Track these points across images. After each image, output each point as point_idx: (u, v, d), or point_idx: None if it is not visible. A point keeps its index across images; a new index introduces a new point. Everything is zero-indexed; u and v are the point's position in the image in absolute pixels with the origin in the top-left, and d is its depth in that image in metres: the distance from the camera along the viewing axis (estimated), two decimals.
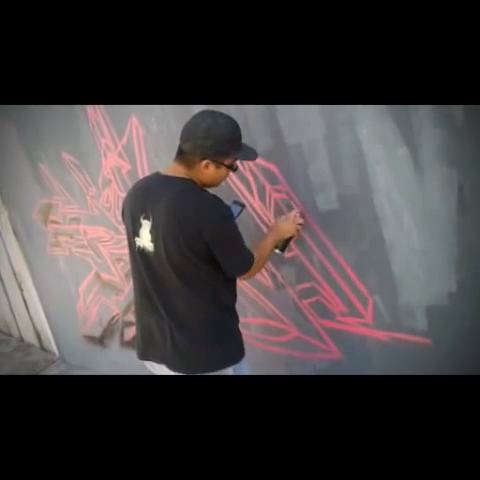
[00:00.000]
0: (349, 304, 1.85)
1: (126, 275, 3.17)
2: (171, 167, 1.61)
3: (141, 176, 2.62)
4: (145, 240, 1.59)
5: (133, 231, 1.63)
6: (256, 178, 1.99)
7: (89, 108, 2.75)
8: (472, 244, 1.42)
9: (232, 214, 1.68)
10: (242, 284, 2.25)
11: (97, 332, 3.73)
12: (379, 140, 1.53)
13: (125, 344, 3.45)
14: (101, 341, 3.72)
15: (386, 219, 1.61)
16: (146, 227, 1.57)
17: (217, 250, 1.53)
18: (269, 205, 1.99)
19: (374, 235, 1.67)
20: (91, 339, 3.84)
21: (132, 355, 3.34)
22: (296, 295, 2.05)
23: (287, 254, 1.87)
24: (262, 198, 2.01)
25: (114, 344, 3.58)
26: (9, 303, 5.92)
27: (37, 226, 3.93)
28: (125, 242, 3.06)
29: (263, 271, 2.14)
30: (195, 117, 1.56)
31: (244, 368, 1.71)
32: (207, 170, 1.53)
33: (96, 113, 2.73)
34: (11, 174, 3.95)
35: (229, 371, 1.63)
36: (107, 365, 3.74)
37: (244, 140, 1.66)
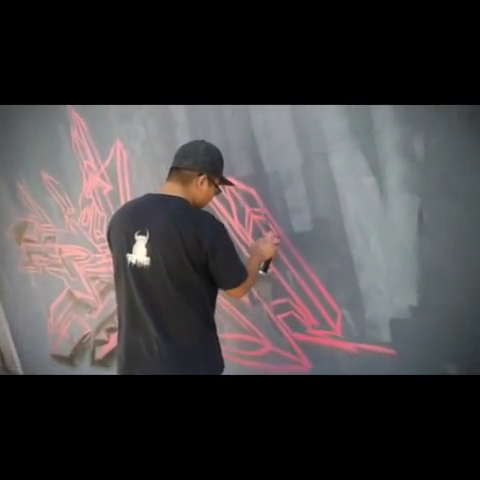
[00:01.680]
0: (320, 318, 2.02)
1: (101, 293, 3.23)
2: (165, 186, 1.71)
3: (122, 197, 2.75)
4: (139, 255, 1.60)
5: (126, 248, 1.64)
6: (236, 201, 2.16)
7: (73, 131, 2.87)
8: (430, 263, 1.62)
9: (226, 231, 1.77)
10: (220, 301, 2.37)
11: (66, 351, 3.72)
12: (350, 170, 1.74)
13: (96, 363, 3.46)
14: (70, 360, 3.71)
15: (355, 240, 1.80)
16: (141, 242, 1.59)
17: (214, 262, 1.58)
18: (248, 226, 2.16)
19: (344, 255, 1.85)
20: (60, 359, 3.82)
21: (103, 373, 3.38)
22: (271, 310, 2.20)
23: (269, 273, 2.00)
24: (241, 219, 2.17)
25: (84, 364, 3.59)
26: None
27: (9, 244, 3.93)
28: (101, 261, 3.21)
29: None
30: (191, 142, 1.75)
31: None
32: (202, 186, 1.67)
33: (80, 136, 2.85)
34: None
35: None
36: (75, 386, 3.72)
37: (227, 167, 1.83)
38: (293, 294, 2.08)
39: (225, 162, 1.79)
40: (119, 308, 1.75)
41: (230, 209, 2.20)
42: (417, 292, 1.69)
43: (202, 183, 1.67)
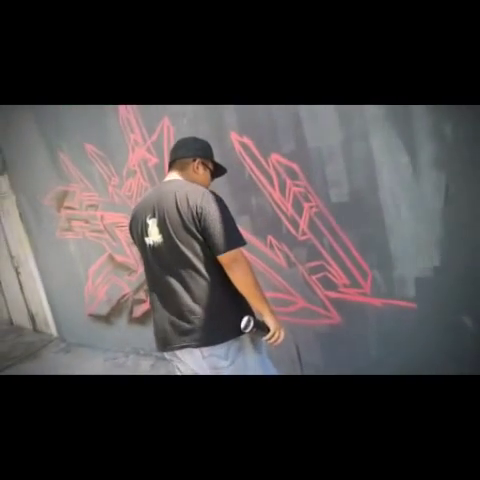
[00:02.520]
0: (352, 277, 2.33)
1: (141, 257, 3.53)
2: (166, 178, 1.87)
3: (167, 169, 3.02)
4: (154, 235, 1.72)
5: (142, 233, 1.77)
6: (278, 174, 2.44)
7: (121, 107, 3.12)
8: (453, 230, 1.92)
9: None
10: (257, 264, 2.69)
11: (104, 311, 4.06)
12: (387, 149, 2.01)
13: (133, 320, 3.80)
14: (107, 319, 4.05)
15: (387, 209, 2.10)
16: (153, 224, 1.72)
17: (205, 226, 1.63)
18: (288, 196, 2.44)
19: (377, 222, 2.14)
20: (97, 317, 4.16)
21: (139, 331, 3.71)
22: (306, 271, 2.51)
23: (245, 330, 1.66)
24: (282, 191, 2.46)
25: (121, 321, 3.92)
26: (0, 288, 6.07)
27: (47, 211, 4.21)
28: None
29: (278, 251, 2.60)
30: (179, 139, 1.95)
31: (259, 340, 1.76)
32: (198, 170, 1.85)
33: (128, 112, 3.10)
34: (24, 161, 4.22)
35: (245, 338, 1.71)
36: (110, 341, 4.07)
37: (272, 144, 2.08)
38: (328, 257, 2.39)
39: (271, 139, 2.03)
40: (149, 291, 1.88)
41: (272, 182, 2.48)
42: (440, 254, 1.99)
43: (198, 167, 1.84)
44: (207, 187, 1.83)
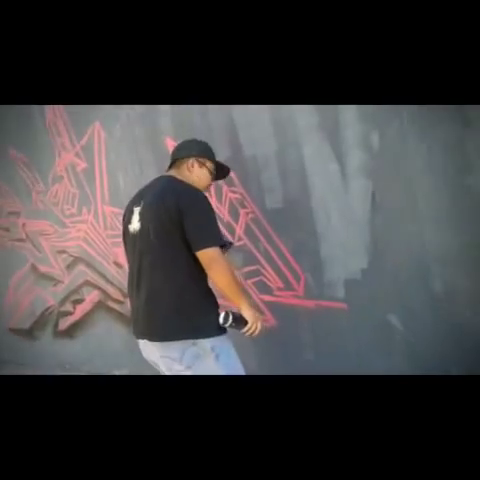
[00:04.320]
0: (286, 281, 2.41)
1: (67, 267, 3.39)
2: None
3: (98, 174, 2.95)
4: (135, 223, 1.75)
5: (128, 221, 1.81)
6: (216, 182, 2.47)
7: (48, 109, 3.00)
8: (379, 235, 2.07)
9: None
10: None
11: (26, 324, 3.81)
12: (317, 158, 2.13)
13: (59, 334, 3.61)
14: (30, 333, 3.81)
15: (319, 216, 2.21)
16: (136, 212, 1.76)
17: (186, 221, 1.63)
18: (224, 202, 2.49)
19: (309, 228, 2.25)
20: (18, 332, 3.90)
21: (65, 344, 3.53)
22: (242, 276, 2.56)
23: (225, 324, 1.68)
24: (219, 197, 2.50)
25: (45, 336, 3.71)
26: None
27: None
28: (70, 235, 3.36)
29: None
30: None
31: (224, 351, 1.70)
32: (193, 168, 1.85)
33: (55, 115, 2.99)
34: None
35: (205, 344, 1.65)
36: (33, 357, 3.83)
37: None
38: (263, 262, 2.46)
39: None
40: (129, 275, 1.86)
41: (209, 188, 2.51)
42: (368, 257, 2.13)
43: (193, 165, 1.85)
44: (205, 186, 1.87)
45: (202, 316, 1.68)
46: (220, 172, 2.00)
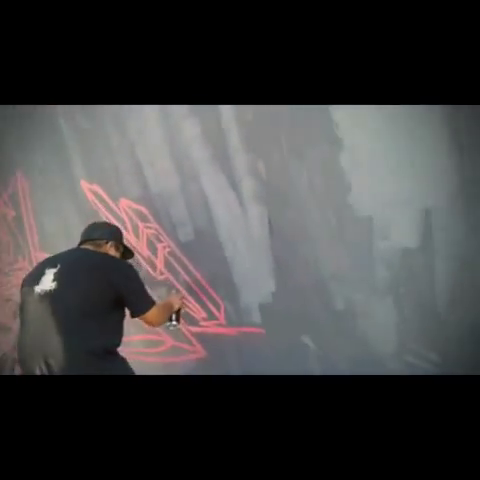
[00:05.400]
0: (208, 311, 2.42)
1: (14, 313, 3.39)
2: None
3: (26, 222, 2.98)
4: (46, 283, 1.76)
5: (35, 281, 1.81)
6: (130, 218, 2.51)
7: None
8: (280, 257, 2.09)
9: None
10: None
11: None
12: (216, 188, 2.16)
13: None
14: None
15: (226, 245, 2.23)
16: (50, 273, 1.79)
17: (125, 290, 1.81)
18: (142, 238, 2.52)
19: (219, 257, 2.27)
20: None
21: None
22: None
23: (180, 324, 2.24)
24: (136, 234, 2.53)
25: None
26: None
27: None
28: (12, 283, 3.37)
29: None
30: (93, 223, 2.16)
31: None
32: (111, 251, 2.04)
33: None
34: None
35: None
36: None
37: (119, 189, 2.18)
38: (185, 294, 2.47)
39: (118, 185, 2.14)
40: (21, 340, 1.87)
41: (125, 226, 2.54)
42: (275, 281, 2.15)
43: (111, 248, 2.05)
44: None
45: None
46: (128, 253, 2.22)
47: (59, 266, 1.80)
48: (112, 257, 1.97)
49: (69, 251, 1.98)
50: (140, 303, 1.88)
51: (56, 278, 1.76)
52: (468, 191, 1.54)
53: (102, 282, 1.77)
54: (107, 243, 2.03)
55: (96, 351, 1.70)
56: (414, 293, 1.76)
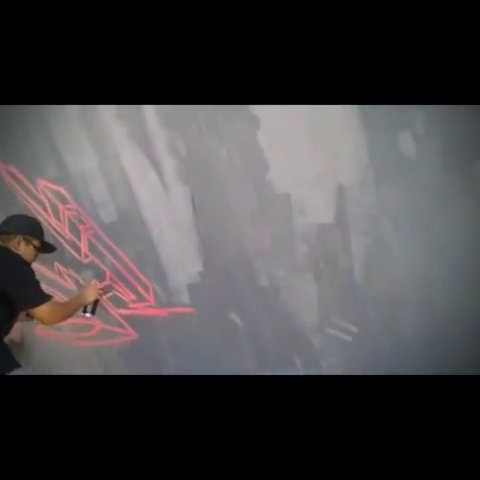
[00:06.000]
0: (137, 293, 2.37)
1: None
2: None
3: None
4: None
5: None
6: (49, 200, 2.38)
7: None
8: (205, 236, 2.07)
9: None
10: (49, 291, 2.59)
11: None
12: (137, 168, 2.09)
13: None
14: None
15: (151, 225, 2.18)
16: None
17: (10, 281, 1.74)
18: (63, 221, 2.40)
19: (145, 237, 2.21)
20: None
21: None
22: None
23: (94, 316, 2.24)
24: (57, 216, 2.41)
25: None
26: None
27: None
28: None
29: (66, 277, 2.54)
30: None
31: None
32: (19, 246, 1.90)
33: None
34: None
35: None
36: None
37: (36, 170, 2.04)
38: (113, 276, 2.40)
39: (34, 167, 2.01)
40: None
41: (45, 208, 2.41)
42: (202, 260, 2.13)
43: (19, 243, 1.90)
44: (29, 260, 1.92)
45: None
46: (48, 247, 2.06)
47: None
48: (6, 251, 1.85)
49: None
50: (28, 295, 1.76)
51: None
52: (377, 166, 1.57)
53: None
54: (15, 237, 1.90)
55: None
56: (333, 267, 1.80)
